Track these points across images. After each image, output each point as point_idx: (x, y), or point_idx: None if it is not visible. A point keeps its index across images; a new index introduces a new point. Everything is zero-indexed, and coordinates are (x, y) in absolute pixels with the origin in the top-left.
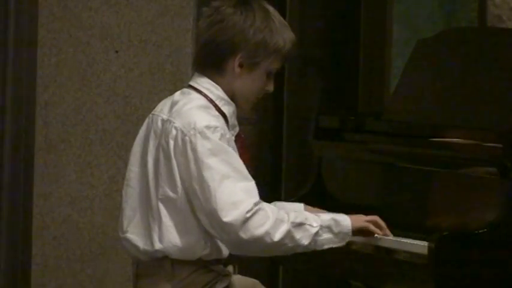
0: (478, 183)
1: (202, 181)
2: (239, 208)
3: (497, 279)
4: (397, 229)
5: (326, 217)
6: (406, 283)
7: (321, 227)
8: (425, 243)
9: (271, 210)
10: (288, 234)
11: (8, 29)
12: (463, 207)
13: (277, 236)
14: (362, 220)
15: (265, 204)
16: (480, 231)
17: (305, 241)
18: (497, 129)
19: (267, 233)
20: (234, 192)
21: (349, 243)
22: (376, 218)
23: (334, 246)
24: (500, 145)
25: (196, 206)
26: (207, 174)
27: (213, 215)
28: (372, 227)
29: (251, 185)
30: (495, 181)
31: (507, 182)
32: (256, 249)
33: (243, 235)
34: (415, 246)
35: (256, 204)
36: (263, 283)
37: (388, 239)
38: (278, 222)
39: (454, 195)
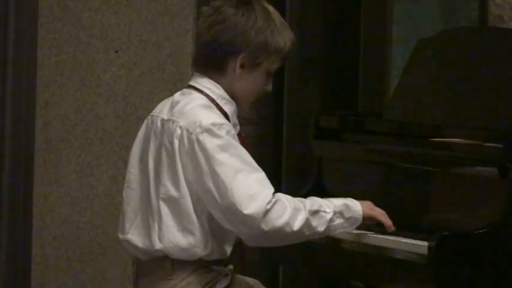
0: (478, 183)
1: (216, 177)
2: (257, 200)
3: (497, 279)
4: (397, 229)
5: (338, 202)
6: (406, 283)
7: (334, 212)
8: (425, 243)
9: (287, 199)
10: (306, 223)
11: (8, 29)
12: (463, 207)
13: (296, 225)
14: (371, 209)
15: (280, 195)
16: (480, 231)
17: (321, 228)
18: (497, 129)
19: (287, 223)
20: (249, 185)
21: (349, 243)
22: (383, 213)
23: (345, 230)
24: (500, 145)
25: (210, 204)
26: (220, 170)
27: (231, 209)
28: (384, 218)
29: (263, 175)
30: (495, 181)
31: (507, 182)
32: (276, 240)
33: (264, 227)
34: (415, 246)
35: (273, 194)
36: (263, 283)
37: (388, 239)
38: (296, 211)
39: (454, 195)
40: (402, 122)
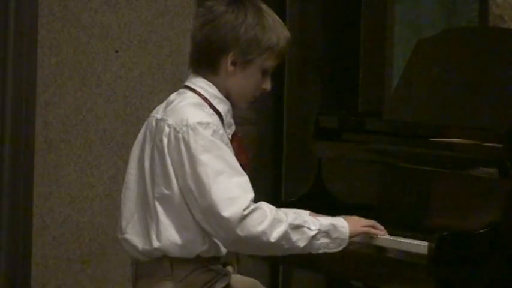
0: (478, 183)
1: (196, 177)
2: (236, 204)
3: (497, 279)
4: (398, 229)
5: (325, 222)
6: (406, 283)
7: (319, 231)
8: (425, 243)
9: (270, 209)
10: (285, 236)
11: (8, 29)
12: (463, 207)
13: (273, 236)
14: (360, 225)
15: (263, 203)
16: (480, 231)
17: (301, 243)
18: (497, 129)
19: (264, 232)
20: (229, 188)
21: (349, 243)
22: (373, 223)
23: (329, 251)
24: (500, 145)
25: (191, 203)
26: (201, 171)
27: (209, 210)
28: (372, 230)
29: (245, 179)
30: (495, 181)
31: (507, 182)
32: (252, 248)
33: (240, 232)
34: (415, 246)
35: (252, 200)
36: (263, 283)
37: (388, 239)
38: (276, 222)
39: (454, 195)
40: (402, 122)
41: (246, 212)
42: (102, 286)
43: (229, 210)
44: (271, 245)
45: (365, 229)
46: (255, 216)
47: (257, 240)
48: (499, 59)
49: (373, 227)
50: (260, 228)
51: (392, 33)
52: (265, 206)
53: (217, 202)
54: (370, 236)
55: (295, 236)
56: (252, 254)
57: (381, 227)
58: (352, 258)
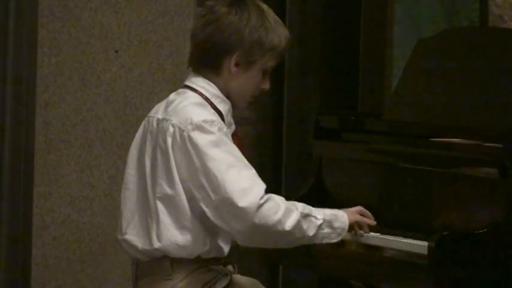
0: (478, 183)
1: (208, 173)
2: (250, 194)
3: (497, 279)
4: (397, 229)
5: (328, 212)
6: (405, 283)
7: (324, 220)
8: (425, 243)
9: (280, 199)
10: (298, 224)
11: (8, 29)
12: (463, 207)
13: (288, 225)
14: (353, 214)
15: (272, 194)
16: (480, 231)
17: (311, 232)
18: (497, 129)
19: (280, 221)
20: (241, 179)
21: (349, 243)
22: (360, 209)
23: (330, 241)
24: (500, 145)
25: (204, 200)
26: (212, 165)
27: (224, 204)
28: (368, 221)
29: (254, 172)
30: (495, 181)
31: (507, 182)
32: (267, 238)
33: (257, 221)
34: (415, 246)
35: (265, 189)
36: (263, 283)
37: (388, 239)
38: (288, 210)
39: (454, 195)
40: (402, 122)
41: (262, 201)
42: (102, 286)
43: (246, 200)
44: (285, 234)
45: (360, 218)
46: (269, 205)
47: (273, 229)
48: (499, 59)
49: (362, 215)
50: (276, 217)
51: (392, 33)
52: (276, 197)
53: (232, 194)
54: (361, 234)
55: (305, 225)
56: (264, 246)
57: (368, 214)
58: (352, 258)
